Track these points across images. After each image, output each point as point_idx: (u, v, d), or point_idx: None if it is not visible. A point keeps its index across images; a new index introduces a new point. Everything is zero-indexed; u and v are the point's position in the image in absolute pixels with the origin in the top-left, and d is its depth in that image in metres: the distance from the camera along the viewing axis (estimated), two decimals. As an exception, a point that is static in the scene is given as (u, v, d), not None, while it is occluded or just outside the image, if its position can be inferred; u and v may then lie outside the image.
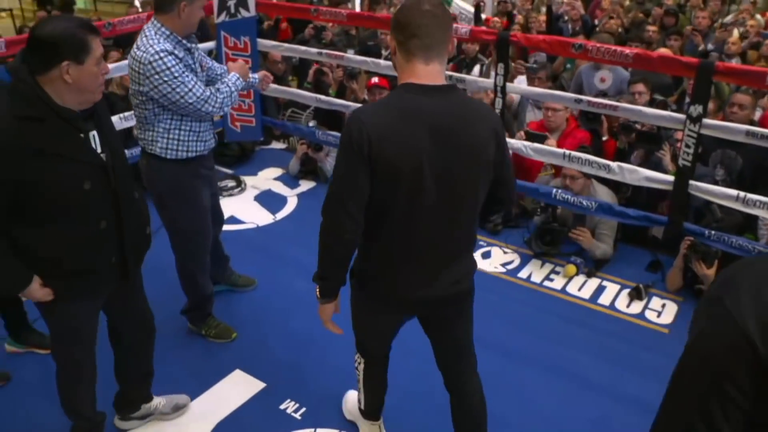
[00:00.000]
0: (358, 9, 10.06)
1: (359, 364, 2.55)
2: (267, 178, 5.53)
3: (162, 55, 2.75)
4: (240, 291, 3.86)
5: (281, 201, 5.13)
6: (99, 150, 2.19)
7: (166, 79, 2.77)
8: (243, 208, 4.96)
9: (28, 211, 2.06)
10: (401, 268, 2.07)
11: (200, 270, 3.31)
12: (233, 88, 3.05)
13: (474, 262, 2.22)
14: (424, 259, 2.05)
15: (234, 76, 3.11)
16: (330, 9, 4.65)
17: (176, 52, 2.81)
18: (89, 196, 2.14)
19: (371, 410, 2.72)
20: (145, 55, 2.76)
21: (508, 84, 4.02)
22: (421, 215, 1.96)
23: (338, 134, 5.08)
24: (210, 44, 5.27)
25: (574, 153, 3.87)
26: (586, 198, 3.89)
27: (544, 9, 8.10)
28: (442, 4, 1.97)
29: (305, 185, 5.39)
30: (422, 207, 1.94)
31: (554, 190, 4.01)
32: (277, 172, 5.61)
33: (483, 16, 8.22)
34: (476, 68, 6.32)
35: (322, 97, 5.09)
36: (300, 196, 5.22)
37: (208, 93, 2.90)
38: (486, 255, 4.31)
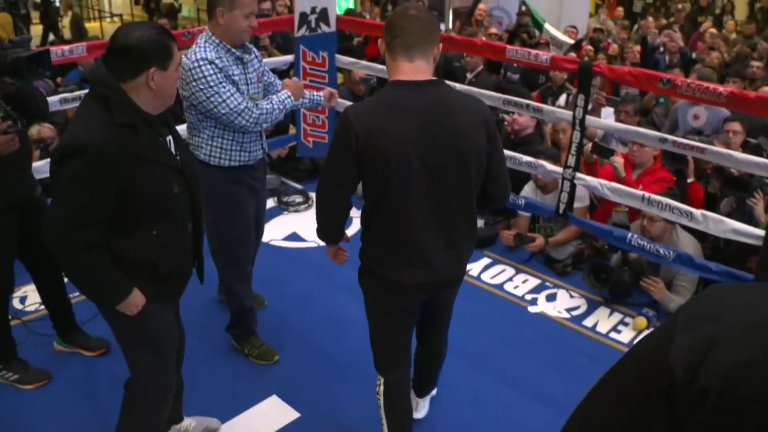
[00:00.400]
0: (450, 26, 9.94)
1: (379, 386, 2.53)
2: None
3: (201, 63, 2.76)
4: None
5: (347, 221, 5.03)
6: (175, 153, 2.21)
7: (201, 87, 2.78)
8: (307, 226, 4.89)
9: (126, 218, 2.08)
10: (401, 254, 2.19)
11: (238, 280, 3.25)
12: (277, 106, 2.97)
13: (471, 248, 2.35)
14: (420, 245, 2.16)
15: (284, 93, 3.04)
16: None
17: (218, 61, 2.80)
18: (178, 199, 2.18)
19: None
20: (187, 62, 2.79)
21: (588, 117, 3.77)
22: (414, 203, 2.09)
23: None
24: (289, 58, 5.27)
25: (654, 197, 3.58)
26: (664, 247, 3.58)
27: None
28: (429, 12, 2.22)
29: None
30: (414, 195, 2.08)
31: (629, 235, 3.72)
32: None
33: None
34: (562, 97, 6.05)
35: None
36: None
37: (242, 106, 2.84)
38: (551, 297, 4.06)
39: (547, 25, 8.60)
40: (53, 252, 2.05)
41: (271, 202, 5.23)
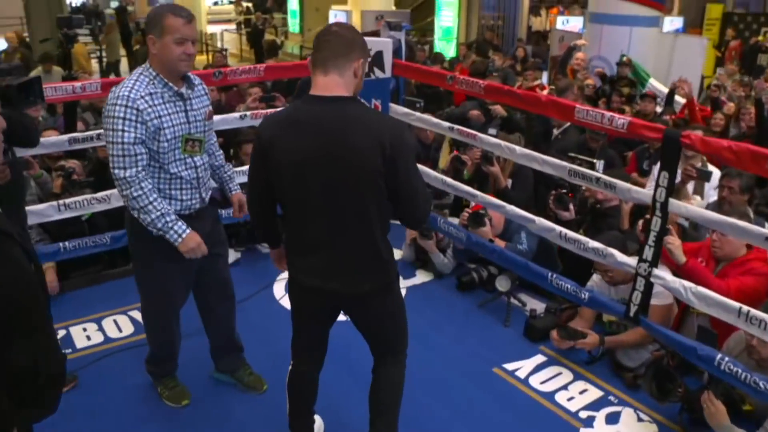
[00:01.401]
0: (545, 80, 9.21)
1: (290, 369, 2.68)
2: (385, 260, 4.84)
3: (120, 101, 2.55)
4: (243, 391, 3.32)
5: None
6: None
7: (108, 127, 2.58)
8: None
9: None
10: (302, 257, 2.35)
11: (152, 326, 3.12)
12: (153, 217, 2.64)
13: (382, 270, 2.36)
14: (317, 253, 2.29)
15: (172, 222, 2.68)
16: (467, 79, 3.91)
17: (144, 100, 2.57)
18: None
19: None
20: (110, 95, 2.60)
21: (674, 202, 2.97)
22: (309, 214, 2.23)
23: (456, 223, 4.28)
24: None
25: (754, 312, 2.72)
26: (763, 378, 2.70)
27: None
28: (354, 31, 2.26)
29: (420, 277, 4.61)
30: (309, 206, 2.22)
31: (719, 357, 2.85)
32: (397, 254, 4.88)
33: (679, 99, 6.97)
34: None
35: (449, 180, 4.31)
36: (410, 289, 4.45)
37: (127, 174, 2.58)
38: (612, 418, 3.20)
39: (652, 80, 7.72)
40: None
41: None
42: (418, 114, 4.50)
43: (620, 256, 3.20)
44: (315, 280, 2.33)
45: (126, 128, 2.54)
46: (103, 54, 9.99)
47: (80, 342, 3.78)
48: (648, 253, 3.04)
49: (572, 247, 3.43)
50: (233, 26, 27.56)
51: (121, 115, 2.54)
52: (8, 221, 2.67)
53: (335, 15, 13.35)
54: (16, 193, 2.90)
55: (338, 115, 2.11)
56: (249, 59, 19.30)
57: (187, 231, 2.68)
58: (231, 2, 32.53)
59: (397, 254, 4.81)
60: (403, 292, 4.51)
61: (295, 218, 2.29)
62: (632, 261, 3.15)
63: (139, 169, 2.60)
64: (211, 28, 24.04)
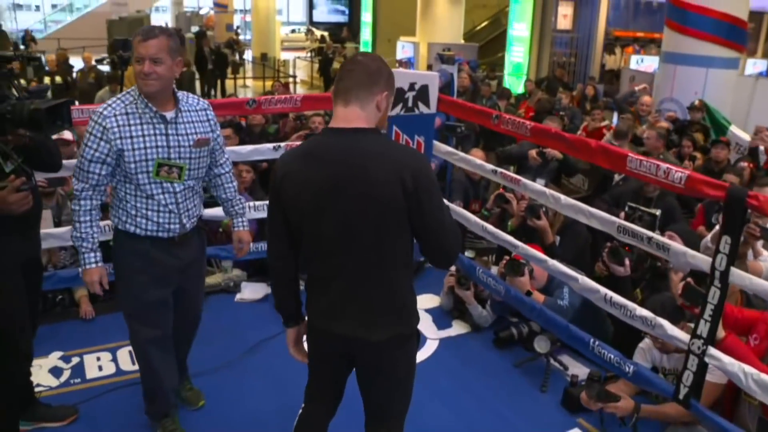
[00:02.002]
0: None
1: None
2: (418, 309, 4.51)
3: (95, 117, 2.60)
4: (183, 407, 3.23)
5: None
6: None
7: (85, 139, 2.63)
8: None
9: None
10: (315, 297, 2.21)
11: (138, 351, 2.98)
12: (79, 234, 2.69)
13: (400, 318, 2.17)
14: (328, 294, 2.15)
15: (89, 245, 2.72)
16: (513, 119, 3.61)
17: (117, 120, 2.58)
18: None
19: None
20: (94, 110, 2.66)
21: (737, 272, 2.57)
22: (324, 250, 2.10)
23: (495, 273, 3.94)
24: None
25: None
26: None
27: None
28: (381, 62, 2.10)
29: (456, 329, 4.26)
30: (323, 242, 2.09)
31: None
32: (434, 301, 4.58)
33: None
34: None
35: (490, 227, 3.98)
36: (442, 342, 4.12)
37: (79, 186, 2.65)
38: None
39: (733, 128, 7.17)
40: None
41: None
42: (461, 154, 4.21)
43: (671, 329, 2.80)
44: (324, 321, 2.19)
45: (89, 143, 2.60)
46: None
47: (91, 372, 3.64)
48: (703, 328, 2.64)
49: (618, 313, 3.05)
50: (307, 54, 28.09)
51: (90, 130, 2.61)
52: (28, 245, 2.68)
53: (403, 46, 13.25)
54: (36, 220, 2.89)
55: (357, 147, 2.02)
56: (319, 87, 19.51)
57: (93, 265, 2.72)
58: (308, 31, 33.28)
59: (435, 302, 4.52)
60: (435, 344, 4.26)
61: (310, 255, 2.17)
62: (685, 336, 2.75)
63: (87, 186, 2.65)
64: (284, 55, 24.51)
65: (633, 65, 12.96)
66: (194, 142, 2.72)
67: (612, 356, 3.09)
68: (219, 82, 15.91)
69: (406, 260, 2.14)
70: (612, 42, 16.41)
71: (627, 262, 3.62)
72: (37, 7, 37.63)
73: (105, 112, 2.59)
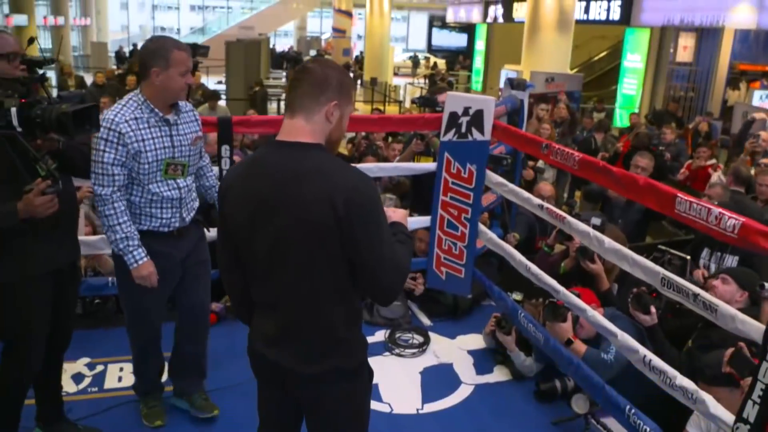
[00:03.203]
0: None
1: None
2: (460, 348, 4.17)
3: (107, 124, 2.71)
4: (194, 413, 3.29)
5: (450, 386, 3.76)
6: None
7: (93, 145, 2.76)
8: (395, 380, 3.74)
9: None
10: (256, 320, 2.07)
11: (135, 346, 3.20)
12: (118, 236, 2.80)
13: (337, 351, 1.97)
14: (267, 317, 2.01)
15: (134, 241, 2.83)
16: (562, 149, 3.23)
17: (129, 124, 2.73)
18: None
19: None
20: (102, 117, 2.74)
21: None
22: (260, 272, 1.97)
23: (535, 322, 3.55)
24: (430, 165, 4.27)
25: None
26: None
27: None
28: (332, 67, 1.95)
29: (496, 375, 3.88)
30: (259, 263, 1.95)
31: None
32: (479, 343, 4.22)
33: None
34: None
35: (534, 267, 3.60)
36: (478, 388, 3.76)
37: (104, 191, 2.75)
38: None
39: None
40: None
41: (380, 335, 4.20)
42: (511, 186, 3.86)
43: (714, 407, 2.33)
44: (261, 346, 2.04)
45: (107, 149, 2.72)
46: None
47: (110, 382, 3.62)
48: (750, 411, 2.17)
49: (656, 380, 2.60)
50: (420, 80, 28.25)
51: (104, 136, 2.71)
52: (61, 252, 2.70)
53: (506, 74, 12.90)
54: (68, 225, 2.88)
55: (294, 163, 1.85)
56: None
57: (144, 259, 2.83)
58: (425, 58, 33.58)
59: (481, 343, 4.17)
60: (470, 389, 3.90)
61: (249, 278, 2.03)
62: (729, 417, 2.28)
63: (115, 189, 2.76)
64: (396, 81, 24.76)
65: (756, 101, 11.86)
66: (192, 141, 2.94)
67: (648, 429, 2.64)
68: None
69: (345, 292, 1.94)
70: (737, 76, 15.20)
71: (653, 309, 3.15)
72: (178, 30, 40.43)
73: (116, 119, 2.73)
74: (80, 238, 3.73)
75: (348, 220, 1.79)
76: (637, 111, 13.73)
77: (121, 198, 2.79)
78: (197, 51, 3.01)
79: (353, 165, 2.11)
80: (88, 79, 17.40)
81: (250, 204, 1.90)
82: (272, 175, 1.87)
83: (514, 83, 4.76)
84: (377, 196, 1.89)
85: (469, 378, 3.85)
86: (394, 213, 2.11)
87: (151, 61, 2.74)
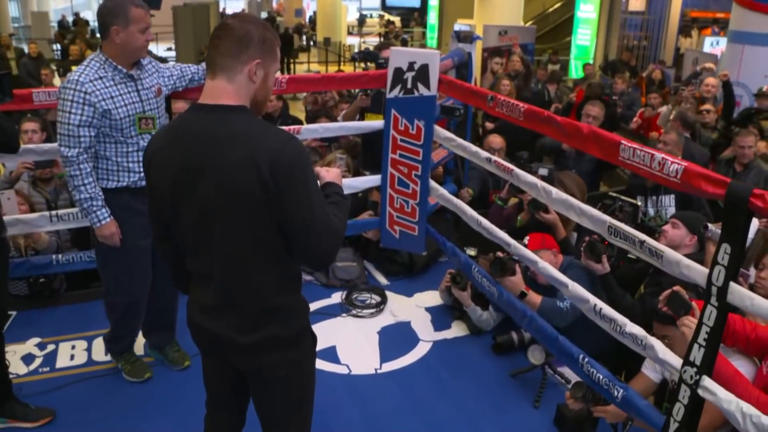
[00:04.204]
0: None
1: None
2: (417, 306, 4.15)
3: (69, 85, 2.75)
4: (168, 367, 3.39)
5: (408, 344, 3.74)
6: None
7: (59, 107, 2.79)
8: (353, 341, 3.71)
9: None
10: (193, 291, 2.01)
11: (123, 306, 3.17)
12: (83, 196, 2.86)
13: (272, 320, 1.91)
14: (202, 288, 1.94)
15: (98, 201, 2.91)
16: (508, 101, 3.17)
17: (94, 84, 2.77)
18: None
19: None
20: (64, 80, 2.81)
21: (737, 289, 2.09)
22: (190, 241, 1.89)
23: (489, 276, 3.53)
24: (377, 123, 4.17)
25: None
26: None
27: None
28: (254, 23, 1.83)
29: (454, 331, 3.88)
30: (188, 232, 1.88)
31: None
32: (437, 300, 4.20)
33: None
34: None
35: (485, 221, 3.56)
36: (435, 344, 3.75)
37: (71, 152, 2.78)
38: None
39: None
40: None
41: (337, 297, 4.16)
42: (459, 140, 3.79)
43: (663, 352, 2.34)
44: (199, 316, 1.98)
45: (73, 110, 2.74)
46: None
47: (61, 361, 3.50)
48: (696, 354, 2.18)
49: (607, 328, 2.60)
50: (374, 38, 27.83)
51: (69, 97, 2.74)
52: None
53: (458, 28, 12.75)
54: None
55: (218, 127, 1.76)
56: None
57: (108, 219, 2.91)
58: (380, 16, 33.08)
59: (438, 300, 4.15)
60: (428, 346, 3.88)
61: (182, 249, 1.96)
62: (677, 361, 2.29)
63: (81, 150, 2.79)
64: (350, 40, 24.37)
65: (706, 48, 11.95)
66: (155, 93, 2.99)
67: (601, 376, 2.65)
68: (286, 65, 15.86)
69: (278, 258, 1.87)
70: (689, 24, 15.30)
71: (604, 258, 3.16)
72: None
73: (81, 79, 2.76)
74: (17, 216, 3.62)
75: (274, 183, 1.72)
76: (591, 61, 13.76)
77: (88, 159, 2.83)
78: (150, 3, 2.93)
79: (281, 127, 2.03)
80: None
81: (173, 172, 1.82)
82: (194, 141, 1.78)
83: (461, 36, 4.68)
84: (306, 157, 1.80)
85: (427, 335, 3.84)
86: (327, 173, 2.03)
87: (111, 20, 2.75)
